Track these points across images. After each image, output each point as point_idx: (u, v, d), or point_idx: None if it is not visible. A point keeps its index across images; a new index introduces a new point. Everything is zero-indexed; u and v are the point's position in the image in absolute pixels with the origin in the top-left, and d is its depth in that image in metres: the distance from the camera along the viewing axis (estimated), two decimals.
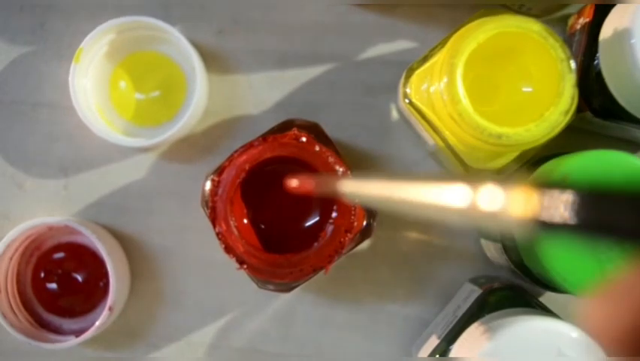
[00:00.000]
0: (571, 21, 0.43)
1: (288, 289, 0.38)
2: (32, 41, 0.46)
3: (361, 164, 0.44)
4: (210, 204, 0.36)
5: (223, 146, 0.45)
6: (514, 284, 0.41)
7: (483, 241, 0.43)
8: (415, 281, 0.45)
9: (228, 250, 0.35)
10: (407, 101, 0.38)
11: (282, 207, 0.38)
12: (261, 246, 0.37)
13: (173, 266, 0.45)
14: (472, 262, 0.44)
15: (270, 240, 0.37)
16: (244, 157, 0.35)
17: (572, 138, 0.36)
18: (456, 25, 0.36)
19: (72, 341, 0.42)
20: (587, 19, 0.39)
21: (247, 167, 0.35)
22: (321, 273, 0.36)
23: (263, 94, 0.45)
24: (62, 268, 0.45)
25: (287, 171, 0.36)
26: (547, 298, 0.42)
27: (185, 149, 0.45)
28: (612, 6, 0.37)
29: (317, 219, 0.38)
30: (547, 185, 0.14)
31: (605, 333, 0.15)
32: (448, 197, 0.16)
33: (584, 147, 0.35)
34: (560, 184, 0.14)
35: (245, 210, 0.37)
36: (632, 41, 0.33)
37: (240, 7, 0.45)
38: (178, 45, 0.43)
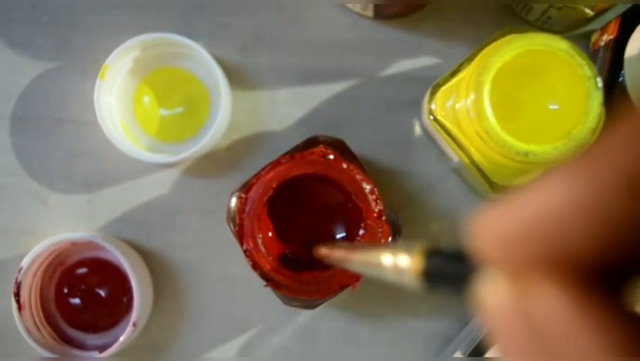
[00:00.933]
0: (594, 38, 0.43)
1: (314, 305, 0.38)
2: (56, 57, 0.46)
3: (384, 180, 0.44)
4: (237, 221, 0.36)
5: (246, 162, 0.45)
6: None
7: None
8: (438, 297, 0.44)
9: (256, 267, 0.35)
10: (432, 117, 0.38)
11: (309, 224, 0.38)
12: (288, 263, 0.37)
13: (196, 282, 0.45)
14: None
15: (297, 257, 0.37)
16: (271, 175, 0.36)
17: None
18: (479, 42, 0.36)
19: (96, 357, 0.42)
20: (612, 36, 0.39)
21: (275, 184, 0.35)
22: (346, 289, 0.36)
23: (286, 110, 0.45)
24: (86, 283, 0.45)
25: (314, 188, 0.36)
26: None
27: (209, 165, 0.45)
28: (638, 23, 0.37)
29: (344, 235, 0.38)
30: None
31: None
32: (379, 259, 0.21)
33: None
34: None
35: (272, 228, 0.38)
36: None
37: (263, 24, 0.46)
38: (202, 61, 0.43)
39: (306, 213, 0.38)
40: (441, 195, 0.45)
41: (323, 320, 0.45)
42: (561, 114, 0.37)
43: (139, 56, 0.44)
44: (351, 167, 0.36)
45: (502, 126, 0.34)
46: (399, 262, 0.19)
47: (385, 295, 0.45)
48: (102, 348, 0.43)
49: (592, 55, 0.42)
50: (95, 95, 0.42)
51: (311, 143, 0.38)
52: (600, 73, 0.38)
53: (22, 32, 0.46)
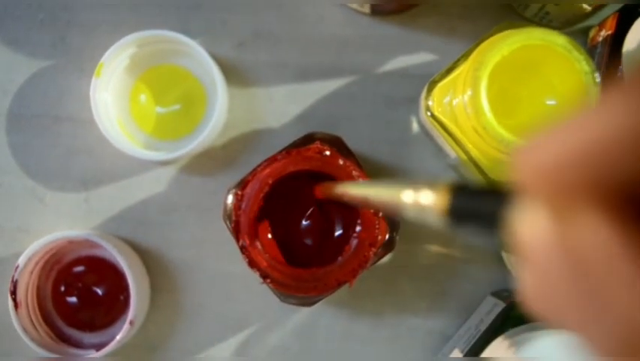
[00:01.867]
0: (592, 33, 0.43)
1: (311, 302, 0.38)
2: (53, 55, 0.46)
3: (381, 176, 0.44)
4: (234, 218, 0.36)
5: (243, 159, 0.45)
6: None
7: (505, 254, 0.43)
8: (436, 294, 0.44)
9: (252, 264, 0.35)
10: (429, 113, 0.38)
11: (305, 221, 0.38)
12: (285, 260, 0.37)
13: (193, 280, 0.45)
14: (493, 274, 0.44)
15: (294, 254, 0.37)
16: (267, 171, 0.35)
17: None
18: (476, 38, 0.36)
19: (93, 355, 0.42)
20: (610, 32, 0.39)
21: (271, 181, 0.35)
22: (343, 286, 0.36)
23: (283, 107, 0.45)
24: (82, 281, 0.45)
25: (310, 184, 0.36)
26: None
27: (206, 162, 0.45)
28: (635, 18, 0.37)
29: (340, 232, 0.38)
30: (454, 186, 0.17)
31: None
32: (399, 196, 0.20)
33: None
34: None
35: (268, 224, 0.37)
36: None
37: (260, 21, 0.45)
38: (198, 59, 0.43)
39: (302, 209, 0.38)
40: None
41: (321, 317, 0.45)
42: (559, 109, 0.37)
43: (135, 54, 0.44)
44: (348, 163, 0.35)
45: (499, 122, 0.34)
46: (421, 199, 0.18)
47: (383, 291, 0.44)
48: (99, 346, 0.42)
49: (590, 50, 0.42)
50: (91, 93, 0.42)
51: (307, 139, 0.38)
52: (598, 68, 0.38)
53: (18, 30, 0.46)
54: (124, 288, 0.43)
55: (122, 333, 0.41)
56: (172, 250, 0.45)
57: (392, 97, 0.45)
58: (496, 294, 0.42)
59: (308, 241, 0.38)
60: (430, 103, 0.38)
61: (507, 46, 0.34)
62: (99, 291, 0.45)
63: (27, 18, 0.46)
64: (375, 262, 0.38)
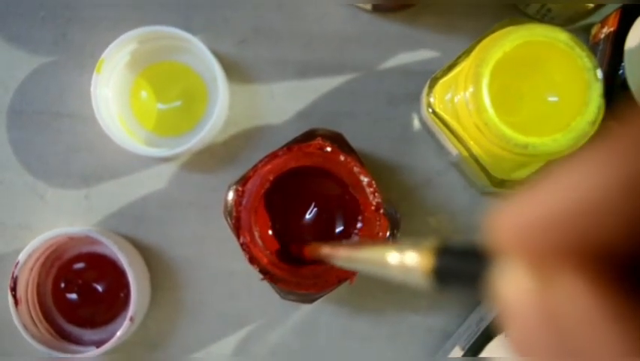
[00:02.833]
0: (594, 30, 0.43)
1: (311, 299, 0.38)
2: (54, 52, 0.46)
3: (383, 174, 0.44)
4: (234, 214, 0.35)
5: (244, 156, 0.45)
6: None
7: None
8: (437, 292, 0.44)
9: (252, 260, 0.35)
10: (431, 110, 0.38)
11: (306, 217, 0.38)
12: (285, 256, 0.37)
13: (193, 276, 0.45)
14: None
15: (294, 250, 0.37)
16: (268, 167, 0.35)
17: None
18: (478, 35, 0.36)
19: (93, 352, 0.42)
20: (612, 29, 0.39)
21: (272, 177, 0.35)
22: (344, 283, 0.36)
23: (284, 104, 0.45)
24: (83, 278, 0.45)
25: (311, 181, 0.36)
26: None
27: (206, 159, 0.45)
28: (637, 16, 0.37)
29: (341, 229, 0.38)
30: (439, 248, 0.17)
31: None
32: (385, 258, 0.20)
33: None
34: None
35: (269, 221, 0.37)
36: None
37: (261, 17, 0.45)
38: (199, 55, 0.43)
39: (303, 205, 0.38)
40: (440, 189, 0.44)
41: (321, 315, 0.45)
42: (560, 106, 0.36)
43: (136, 50, 0.44)
44: (349, 159, 0.35)
45: (501, 118, 0.34)
46: (406, 261, 0.18)
47: (384, 289, 0.44)
48: (99, 343, 0.42)
49: (592, 48, 0.42)
50: (92, 89, 0.42)
51: (309, 136, 0.38)
52: (600, 65, 0.38)
53: (19, 26, 0.46)
54: (124, 285, 0.43)
55: (122, 330, 0.41)
56: (173, 247, 0.45)
57: (393, 94, 0.45)
58: None
59: (308, 238, 0.38)
60: (431, 100, 0.38)
61: (509, 42, 0.34)
62: (99, 288, 0.45)
63: (29, 15, 0.46)
64: None
